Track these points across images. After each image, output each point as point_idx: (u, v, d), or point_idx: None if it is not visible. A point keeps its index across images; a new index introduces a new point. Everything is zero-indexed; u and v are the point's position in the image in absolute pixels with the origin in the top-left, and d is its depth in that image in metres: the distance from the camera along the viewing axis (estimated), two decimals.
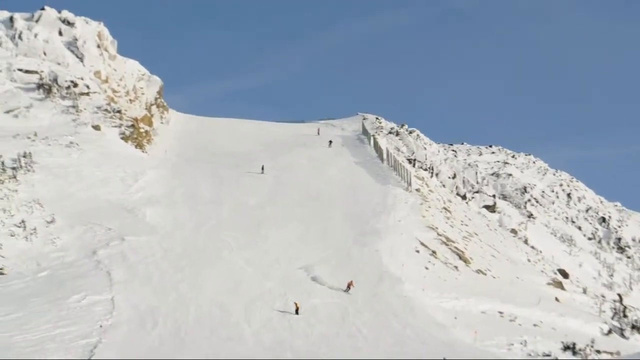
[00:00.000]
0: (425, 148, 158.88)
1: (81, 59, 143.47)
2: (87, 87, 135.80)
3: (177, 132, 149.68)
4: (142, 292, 74.89)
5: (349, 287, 78.14)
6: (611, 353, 76.07)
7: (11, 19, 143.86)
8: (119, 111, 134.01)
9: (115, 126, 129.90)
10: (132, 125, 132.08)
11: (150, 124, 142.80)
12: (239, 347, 64.78)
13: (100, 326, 66.07)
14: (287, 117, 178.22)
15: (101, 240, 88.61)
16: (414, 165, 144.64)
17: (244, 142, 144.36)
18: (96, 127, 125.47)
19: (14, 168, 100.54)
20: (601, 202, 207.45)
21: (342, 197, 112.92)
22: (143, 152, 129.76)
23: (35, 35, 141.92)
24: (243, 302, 75.04)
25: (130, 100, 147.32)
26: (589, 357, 72.76)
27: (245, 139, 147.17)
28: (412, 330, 69.89)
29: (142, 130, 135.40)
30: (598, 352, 76.25)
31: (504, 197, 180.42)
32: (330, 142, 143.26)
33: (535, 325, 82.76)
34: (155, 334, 66.40)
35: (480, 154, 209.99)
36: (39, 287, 76.29)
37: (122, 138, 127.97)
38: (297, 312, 72.30)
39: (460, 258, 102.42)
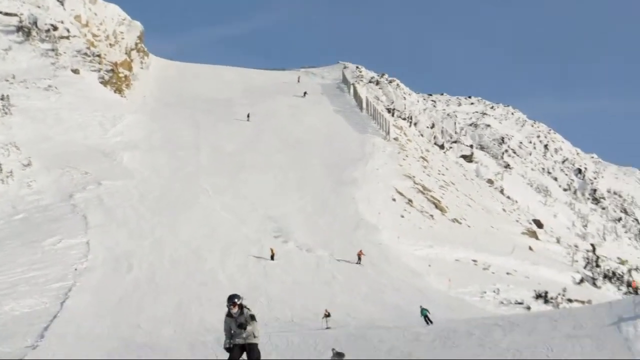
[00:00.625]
0: (404, 98, 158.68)
1: (62, 3, 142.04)
2: (67, 30, 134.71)
3: (157, 77, 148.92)
4: (117, 236, 75.00)
5: (359, 257, 74.14)
6: (583, 302, 76.99)
7: None
8: (98, 55, 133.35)
9: (95, 70, 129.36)
10: (112, 70, 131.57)
11: (129, 68, 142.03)
12: (213, 292, 64.99)
13: (75, 269, 66.18)
14: (268, 65, 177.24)
15: (78, 184, 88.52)
16: (392, 115, 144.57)
17: (224, 89, 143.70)
18: (75, 71, 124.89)
19: None
20: (578, 153, 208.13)
21: (320, 145, 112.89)
22: (122, 96, 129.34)
23: None
24: (219, 247, 75.26)
25: (110, 44, 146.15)
26: (561, 306, 73.64)
27: (226, 86, 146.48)
28: (386, 278, 70.30)
29: (121, 75, 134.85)
30: (570, 300, 77.18)
31: (482, 148, 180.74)
32: (305, 93, 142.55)
33: (508, 273, 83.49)
34: (130, 277, 66.60)
35: (460, 105, 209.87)
36: (14, 230, 76.35)
37: (101, 82, 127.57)
38: (272, 258, 72.58)
39: (436, 207, 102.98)
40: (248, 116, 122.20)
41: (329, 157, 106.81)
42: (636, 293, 67.95)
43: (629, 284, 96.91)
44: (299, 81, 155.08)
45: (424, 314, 53.14)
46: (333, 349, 38.96)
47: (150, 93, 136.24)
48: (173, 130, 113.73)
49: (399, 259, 76.55)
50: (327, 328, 53.01)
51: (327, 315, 54.91)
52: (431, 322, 51.08)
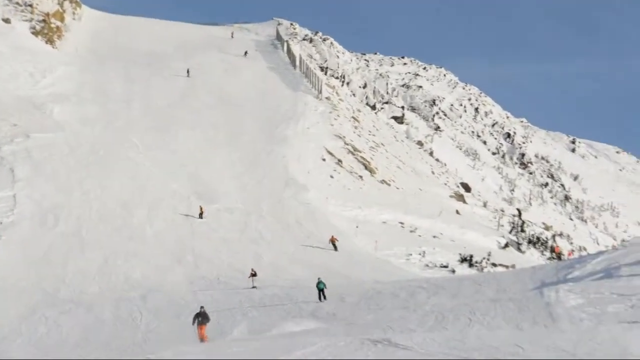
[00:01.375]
0: (338, 56, 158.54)
1: None
2: None
3: (89, 29, 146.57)
4: (45, 190, 74.34)
5: (333, 243, 68.96)
6: (507, 266, 78.01)
7: None
8: (30, 5, 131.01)
9: (26, 20, 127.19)
10: (43, 20, 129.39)
11: (61, 19, 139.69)
12: (140, 247, 64.94)
13: (0, 223, 65.64)
14: (202, 20, 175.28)
15: (5, 136, 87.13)
16: (325, 73, 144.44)
17: (157, 43, 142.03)
18: (6, 21, 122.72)
19: None
20: (507, 117, 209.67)
21: (252, 102, 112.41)
22: (53, 47, 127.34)
23: None
24: (147, 202, 75.04)
25: None
26: (485, 270, 74.61)
27: (159, 40, 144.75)
28: (314, 238, 70.67)
29: (53, 25, 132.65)
30: (494, 264, 78.18)
31: (413, 109, 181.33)
32: (246, 52, 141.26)
33: (434, 236, 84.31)
34: (57, 231, 66.19)
35: (392, 65, 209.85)
36: None
37: (33, 33, 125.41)
38: (201, 216, 72.56)
39: (366, 168, 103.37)
40: (188, 72, 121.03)
41: (261, 115, 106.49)
42: (559, 259, 69.16)
43: (552, 250, 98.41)
44: (232, 37, 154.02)
45: (320, 287, 47.08)
46: (202, 307, 39.46)
47: (83, 45, 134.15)
48: (105, 83, 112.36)
49: (327, 219, 76.90)
50: (253, 287, 53.22)
51: (254, 275, 55.10)
52: (325, 297, 46.21)
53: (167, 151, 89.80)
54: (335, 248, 68.04)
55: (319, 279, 47.23)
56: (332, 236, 69.01)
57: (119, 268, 60.14)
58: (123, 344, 41.29)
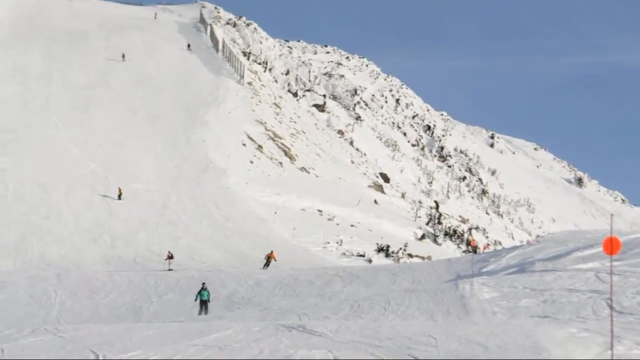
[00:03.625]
0: (261, 42, 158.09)
1: None
2: None
3: (8, 5, 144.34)
4: None
5: (268, 260, 57.62)
6: (423, 257, 78.79)
7: None
8: None
9: None
10: None
11: None
12: (56, 226, 64.42)
13: None
14: None
15: None
16: (248, 59, 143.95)
17: (79, 21, 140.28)
18: None
19: None
20: (428, 110, 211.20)
21: (174, 85, 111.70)
22: None
23: None
24: (65, 182, 74.36)
25: None
26: (401, 260, 75.26)
27: (81, 18, 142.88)
28: (232, 223, 70.65)
29: None
30: (410, 255, 78.89)
31: (334, 98, 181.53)
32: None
33: (352, 225, 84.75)
34: None
35: (315, 53, 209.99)
36: None
37: None
38: (119, 197, 72.11)
39: (286, 154, 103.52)
40: (123, 56, 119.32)
41: (182, 98, 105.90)
42: (475, 252, 69.98)
43: (468, 243, 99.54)
44: (155, 17, 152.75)
45: (204, 298, 39.22)
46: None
47: (1, 22, 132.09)
48: (24, 60, 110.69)
49: (245, 204, 76.87)
50: (170, 270, 53.11)
51: (170, 257, 55.04)
52: (207, 311, 38.71)
53: (86, 131, 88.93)
54: (267, 265, 55.88)
55: (203, 285, 40.29)
56: (272, 252, 57.17)
57: (34, 247, 59.66)
58: (36, 323, 40.92)
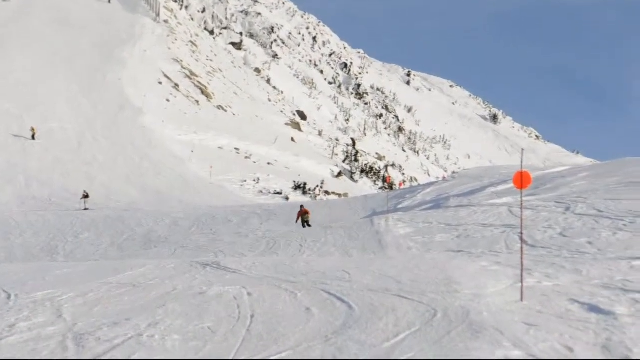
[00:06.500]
0: None
1: None
2: None
3: None
4: None
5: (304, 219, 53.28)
6: (339, 194, 79.28)
7: None
8: None
9: None
10: None
11: None
12: None
13: None
14: None
15: None
16: None
17: None
18: None
19: None
20: (345, 48, 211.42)
21: (90, 23, 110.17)
22: None
23: None
24: None
25: None
26: (318, 197, 75.63)
27: None
28: (149, 162, 70.18)
29: None
30: (327, 192, 79.33)
31: (251, 36, 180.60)
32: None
33: (269, 163, 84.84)
34: None
35: None
36: None
37: None
38: (33, 137, 71.05)
39: (203, 93, 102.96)
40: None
41: (98, 36, 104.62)
42: (391, 188, 70.53)
43: (384, 179, 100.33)
44: None
45: None
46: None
47: None
48: None
49: (162, 143, 76.46)
50: (86, 209, 52.66)
51: (86, 196, 54.56)
52: None
53: (3, 70, 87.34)
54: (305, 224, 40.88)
55: None
56: (303, 208, 41.95)
57: None
58: None
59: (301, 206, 42.03)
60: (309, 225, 38.30)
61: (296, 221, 39.93)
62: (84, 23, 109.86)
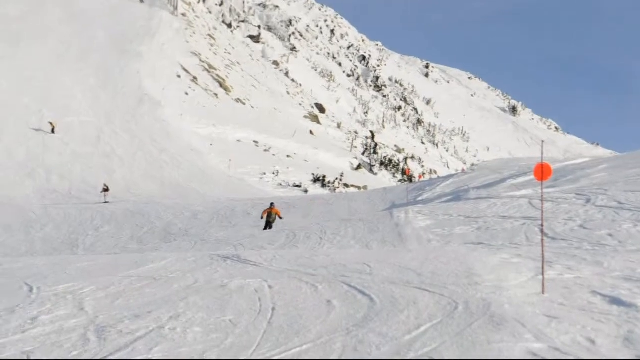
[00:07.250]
0: None
1: None
2: None
3: None
4: None
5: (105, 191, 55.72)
6: (359, 187, 79.21)
7: None
8: None
9: None
10: None
11: None
12: None
13: None
14: None
15: None
16: None
17: None
18: None
19: None
20: (363, 40, 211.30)
21: (106, 17, 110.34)
22: None
23: None
24: None
25: None
26: (337, 190, 75.61)
27: None
28: (167, 155, 70.29)
29: None
30: (346, 185, 79.28)
31: (269, 29, 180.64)
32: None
33: (288, 156, 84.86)
34: None
35: None
36: None
37: None
38: (53, 131, 71.25)
39: (221, 86, 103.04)
40: None
41: (115, 30, 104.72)
42: (410, 181, 70.43)
43: (403, 172, 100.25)
44: None
45: None
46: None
47: None
48: None
49: (181, 136, 76.57)
50: (106, 202, 52.79)
51: (106, 190, 54.67)
52: None
53: (18, 64, 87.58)
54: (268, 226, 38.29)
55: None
56: (273, 207, 38.64)
57: None
58: None
59: (271, 204, 37.31)
60: (270, 228, 34.56)
61: (262, 217, 36.25)
62: (99, 16, 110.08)
